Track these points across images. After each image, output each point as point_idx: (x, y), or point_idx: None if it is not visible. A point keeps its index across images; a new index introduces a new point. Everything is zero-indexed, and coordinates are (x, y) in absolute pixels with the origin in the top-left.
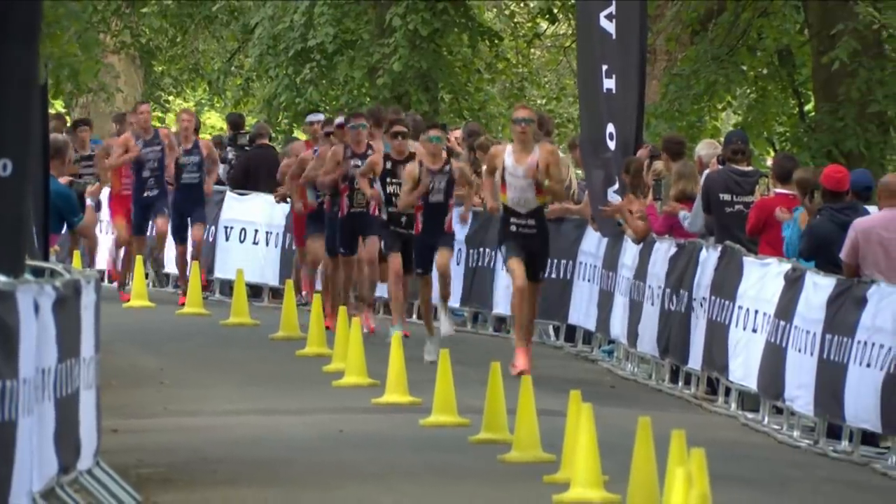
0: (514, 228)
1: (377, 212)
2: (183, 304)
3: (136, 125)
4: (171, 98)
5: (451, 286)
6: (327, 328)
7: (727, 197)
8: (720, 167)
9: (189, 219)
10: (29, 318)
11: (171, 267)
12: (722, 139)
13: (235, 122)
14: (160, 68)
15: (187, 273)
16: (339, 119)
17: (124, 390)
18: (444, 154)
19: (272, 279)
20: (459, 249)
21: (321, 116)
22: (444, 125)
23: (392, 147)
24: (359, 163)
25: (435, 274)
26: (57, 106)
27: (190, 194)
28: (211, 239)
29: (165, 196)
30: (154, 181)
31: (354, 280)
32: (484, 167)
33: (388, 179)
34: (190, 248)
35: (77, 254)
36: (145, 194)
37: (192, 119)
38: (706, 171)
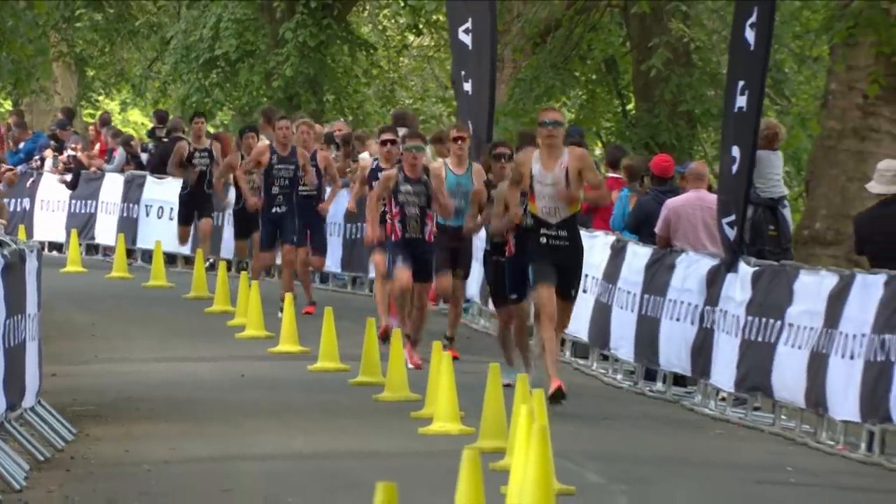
0: (544, 240)
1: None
2: (311, 313)
3: (275, 141)
4: (100, 98)
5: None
6: (417, 367)
7: None
8: None
9: (308, 231)
10: None
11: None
12: None
13: (161, 118)
14: (91, 73)
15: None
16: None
17: (62, 341)
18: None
19: (185, 248)
20: (338, 224)
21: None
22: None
23: (494, 171)
24: (410, 188)
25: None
26: (6, 105)
27: (309, 208)
28: (134, 216)
29: (293, 216)
30: (283, 198)
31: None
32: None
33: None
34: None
35: (22, 227)
36: (273, 210)
37: (311, 130)
38: None
